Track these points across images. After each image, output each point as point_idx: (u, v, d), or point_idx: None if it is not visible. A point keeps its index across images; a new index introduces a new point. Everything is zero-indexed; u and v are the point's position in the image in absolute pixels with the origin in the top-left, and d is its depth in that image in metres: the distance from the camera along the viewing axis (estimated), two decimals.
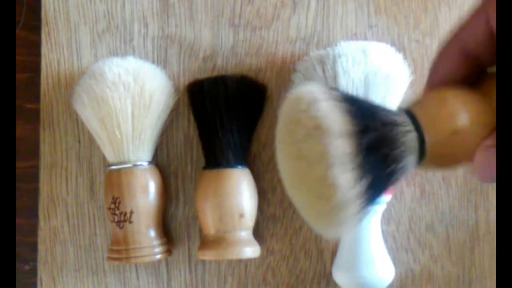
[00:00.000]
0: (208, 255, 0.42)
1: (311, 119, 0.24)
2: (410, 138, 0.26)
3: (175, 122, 0.46)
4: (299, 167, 0.25)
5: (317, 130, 0.24)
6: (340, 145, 0.24)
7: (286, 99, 0.27)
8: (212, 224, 0.42)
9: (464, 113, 0.27)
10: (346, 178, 0.24)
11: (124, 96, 0.41)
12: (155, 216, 0.43)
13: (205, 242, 0.43)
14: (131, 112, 0.41)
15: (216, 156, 0.43)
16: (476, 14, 0.29)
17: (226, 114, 0.43)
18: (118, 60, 0.44)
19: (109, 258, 0.43)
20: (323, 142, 0.24)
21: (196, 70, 0.47)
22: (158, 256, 0.43)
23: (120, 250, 0.42)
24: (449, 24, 0.47)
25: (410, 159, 0.26)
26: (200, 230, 0.45)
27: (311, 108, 0.25)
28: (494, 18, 0.28)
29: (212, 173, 0.43)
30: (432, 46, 0.47)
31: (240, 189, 0.42)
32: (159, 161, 0.46)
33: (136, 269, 0.46)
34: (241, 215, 0.42)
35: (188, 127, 0.47)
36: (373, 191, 0.25)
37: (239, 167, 0.43)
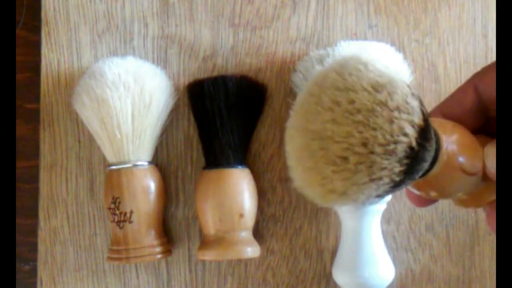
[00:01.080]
0: (208, 255, 0.42)
1: (381, 75, 0.23)
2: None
3: (175, 122, 0.46)
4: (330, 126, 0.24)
5: (392, 83, 0.23)
6: (416, 103, 0.23)
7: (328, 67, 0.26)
8: (212, 224, 0.42)
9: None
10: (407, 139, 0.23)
11: (124, 96, 0.41)
12: (155, 216, 0.43)
13: (205, 242, 0.43)
14: (131, 112, 0.41)
15: (216, 156, 0.43)
16: (463, 86, 0.30)
17: (226, 114, 0.42)
18: (118, 60, 0.44)
19: (109, 258, 0.43)
20: (399, 94, 0.23)
21: (196, 70, 0.46)
22: (159, 256, 0.43)
23: (120, 250, 0.42)
24: (449, 24, 0.47)
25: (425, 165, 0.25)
26: (200, 230, 0.45)
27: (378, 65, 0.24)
28: (483, 84, 0.29)
29: (212, 173, 0.43)
30: (432, 46, 0.47)
31: (240, 189, 0.42)
32: (159, 161, 0.46)
33: (136, 269, 0.46)
34: (241, 215, 0.42)
35: (188, 127, 0.46)
36: (402, 183, 0.24)
37: (239, 167, 0.43)
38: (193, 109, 0.45)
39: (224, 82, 0.43)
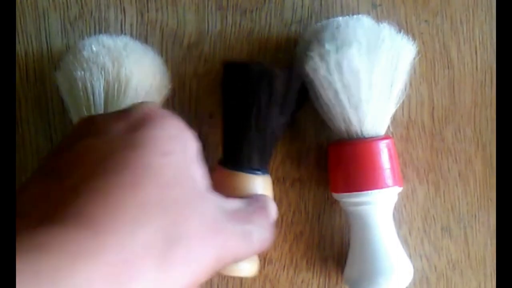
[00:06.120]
0: None
1: None
2: None
3: None
4: None
5: None
6: None
7: None
8: None
9: None
10: None
11: (96, 78, 0.37)
12: None
13: None
14: (104, 97, 0.37)
15: (234, 154, 0.38)
16: None
17: (264, 111, 0.37)
18: (106, 37, 0.39)
19: None
20: None
21: (181, 60, 0.43)
22: None
23: None
24: (462, 0, 0.43)
25: None
26: None
27: None
28: None
29: (223, 172, 0.38)
30: (443, 27, 0.43)
31: None
32: None
33: None
34: None
35: None
36: None
37: (259, 173, 0.38)
38: (224, 92, 0.39)
39: (271, 73, 0.37)
